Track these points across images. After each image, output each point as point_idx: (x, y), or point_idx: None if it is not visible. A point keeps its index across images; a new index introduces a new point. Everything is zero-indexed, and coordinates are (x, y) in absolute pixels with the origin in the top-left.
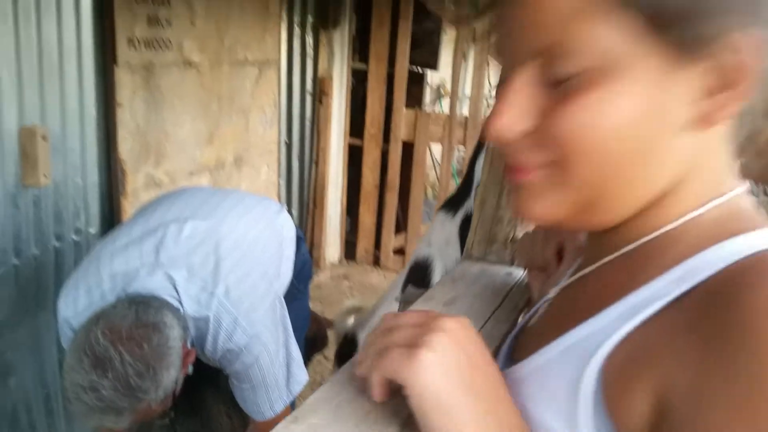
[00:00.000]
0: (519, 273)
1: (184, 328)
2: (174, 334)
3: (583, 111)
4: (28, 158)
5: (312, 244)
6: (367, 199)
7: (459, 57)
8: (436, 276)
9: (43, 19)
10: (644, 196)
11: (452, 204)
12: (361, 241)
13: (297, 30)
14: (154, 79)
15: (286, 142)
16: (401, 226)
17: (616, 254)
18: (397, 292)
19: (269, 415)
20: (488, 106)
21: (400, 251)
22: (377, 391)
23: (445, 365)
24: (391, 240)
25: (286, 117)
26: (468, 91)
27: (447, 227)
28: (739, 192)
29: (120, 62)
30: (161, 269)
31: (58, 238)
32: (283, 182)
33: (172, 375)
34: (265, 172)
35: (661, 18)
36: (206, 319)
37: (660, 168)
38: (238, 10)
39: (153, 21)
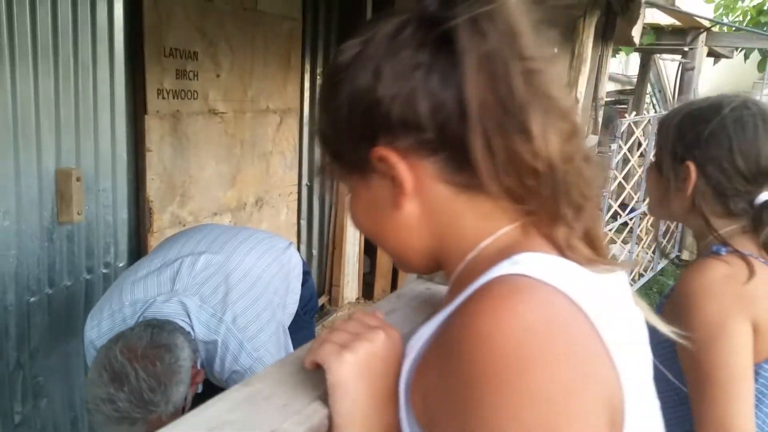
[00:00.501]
0: None
1: (195, 351)
2: (184, 354)
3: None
4: (63, 197)
5: (331, 284)
6: None
7: None
8: None
9: (80, 71)
10: (422, 250)
11: None
12: (379, 281)
13: (318, 79)
14: (181, 126)
15: (307, 185)
16: None
17: (449, 284)
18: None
19: None
20: None
21: None
22: (309, 367)
23: (360, 367)
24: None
25: (308, 161)
26: None
27: None
28: (506, 230)
29: (150, 111)
30: (176, 297)
31: (89, 270)
32: (303, 223)
33: (181, 391)
34: (285, 213)
35: (331, 156)
36: (215, 343)
37: (408, 231)
38: (261, 64)
39: (181, 74)
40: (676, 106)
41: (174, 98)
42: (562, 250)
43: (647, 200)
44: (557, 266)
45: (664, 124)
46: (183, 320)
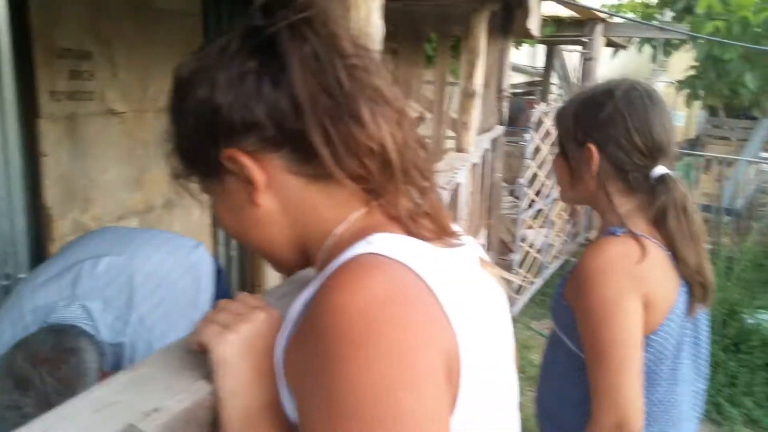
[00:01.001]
0: None
1: (101, 353)
2: (90, 357)
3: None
4: None
5: (253, 284)
6: None
7: None
8: None
9: None
10: (286, 243)
11: None
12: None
13: None
14: (78, 128)
15: None
16: None
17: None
18: None
19: None
20: None
21: None
22: (194, 348)
23: (241, 346)
24: None
25: None
26: None
27: None
28: (359, 214)
29: (43, 114)
30: (78, 301)
31: None
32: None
33: None
34: (198, 214)
35: (186, 165)
36: (122, 345)
37: (269, 227)
38: (161, 61)
39: (75, 74)
40: (570, 97)
41: (69, 100)
42: (409, 229)
43: (558, 188)
44: (404, 244)
45: (561, 115)
46: (87, 324)
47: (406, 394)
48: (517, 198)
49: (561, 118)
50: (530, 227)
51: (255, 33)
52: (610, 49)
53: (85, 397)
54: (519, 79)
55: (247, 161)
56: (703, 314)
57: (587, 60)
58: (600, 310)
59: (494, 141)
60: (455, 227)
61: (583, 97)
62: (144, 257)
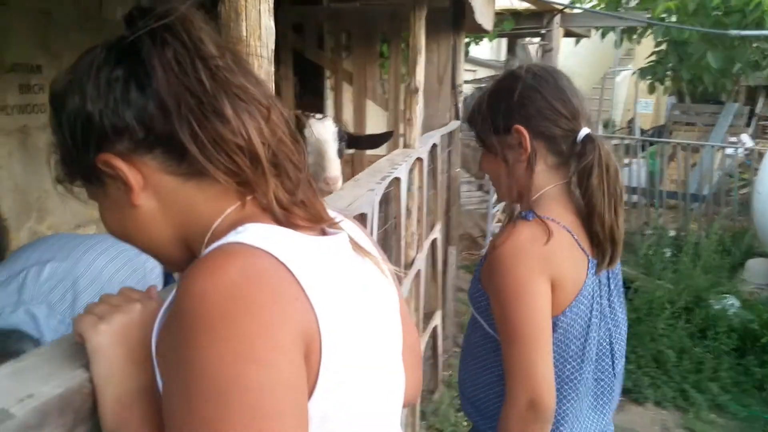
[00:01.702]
0: None
1: None
2: None
3: None
4: None
5: None
6: None
7: (339, 100)
8: None
9: None
10: (169, 241)
11: None
12: None
13: None
14: (30, 140)
15: None
16: None
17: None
18: None
19: None
20: None
21: None
22: (77, 338)
23: (115, 336)
24: None
25: None
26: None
27: None
28: (234, 208)
29: None
30: (23, 306)
31: None
32: None
33: None
34: None
35: (67, 173)
36: None
37: (151, 226)
38: None
39: (25, 88)
40: (476, 99)
41: (19, 113)
42: (279, 220)
43: (496, 189)
44: (270, 233)
45: (474, 116)
46: (32, 328)
47: (255, 367)
48: (486, 192)
49: (475, 117)
50: (500, 222)
51: (119, 42)
52: (572, 40)
53: None
54: (484, 73)
55: (121, 165)
56: (616, 291)
57: (546, 51)
58: (511, 292)
59: (450, 135)
60: (335, 215)
61: (491, 90)
62: (88, 261)
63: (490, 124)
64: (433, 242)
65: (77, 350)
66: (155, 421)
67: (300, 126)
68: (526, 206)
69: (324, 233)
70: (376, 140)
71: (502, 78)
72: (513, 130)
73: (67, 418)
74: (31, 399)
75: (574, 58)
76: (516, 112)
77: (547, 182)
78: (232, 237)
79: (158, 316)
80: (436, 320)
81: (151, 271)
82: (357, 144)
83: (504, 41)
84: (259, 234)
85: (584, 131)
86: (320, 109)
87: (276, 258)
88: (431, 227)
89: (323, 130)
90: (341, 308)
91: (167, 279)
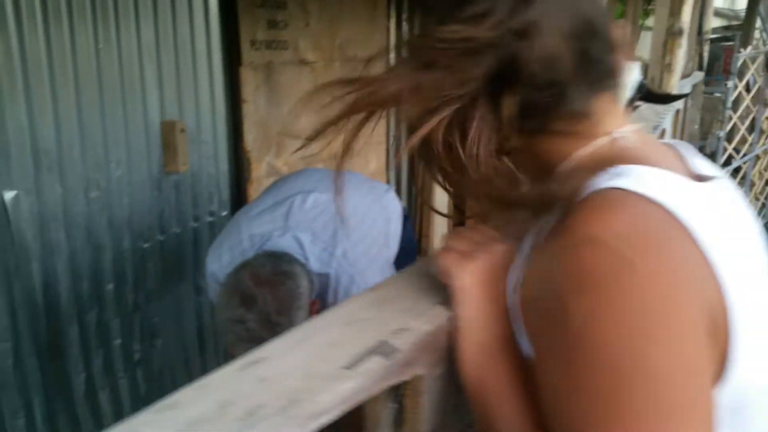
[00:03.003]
0: None
1: (311, 281)
2: (302, 283)
3: None
4: (169, 148)
5: (421, 234)
6: None
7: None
8: None
9: (178, 24)
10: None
11: None
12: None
13: (404, 25)
14: (273, 76)
15: (395, 136)
16: None
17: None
18: None
19: None
20: None
21: None
22: (437, 274)
23: (481, 275)
24: None
25: (396, 112)
26: None
27: None
28: (603, 141)
29: (244, 62)
30: (290, 232)
31: (195, 219)
32: (392, 174)
33: (302, 317)
34: (374, 163)
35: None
36: (327, 276)
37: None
38: (348, 12)
39: (272, 24)
40: None
41: (266, 49)
42: (652, 160)
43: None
44: (655, 177)
45: None
46: (298, 253)
47: (656, 348)
48: (707, 155)
49: None
50: None
51: None
52: None
53: (334, 312)
54: (717, 23)
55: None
56: None
57: None
58: None
59: (693, 88)
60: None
61: None
62: (346, 195)
63: None
64: None
65: (428, 285)
66: (519, 375)
67: None
68: None
69: (698, 177)
70: (669, 99)
71: None
72: None
73: (432, 356)
74: (407, 333)
75: None
76: None
77: None
78: (607, 180)
79: (517, 261)
80: None
81: (394, 210)
82: (650, 98)
83: None
84: (640, 178)
85: None
86: None
87: (667, 210)
88: None
89: (626, 74)
90: (743, 274)
91: (405, 221)
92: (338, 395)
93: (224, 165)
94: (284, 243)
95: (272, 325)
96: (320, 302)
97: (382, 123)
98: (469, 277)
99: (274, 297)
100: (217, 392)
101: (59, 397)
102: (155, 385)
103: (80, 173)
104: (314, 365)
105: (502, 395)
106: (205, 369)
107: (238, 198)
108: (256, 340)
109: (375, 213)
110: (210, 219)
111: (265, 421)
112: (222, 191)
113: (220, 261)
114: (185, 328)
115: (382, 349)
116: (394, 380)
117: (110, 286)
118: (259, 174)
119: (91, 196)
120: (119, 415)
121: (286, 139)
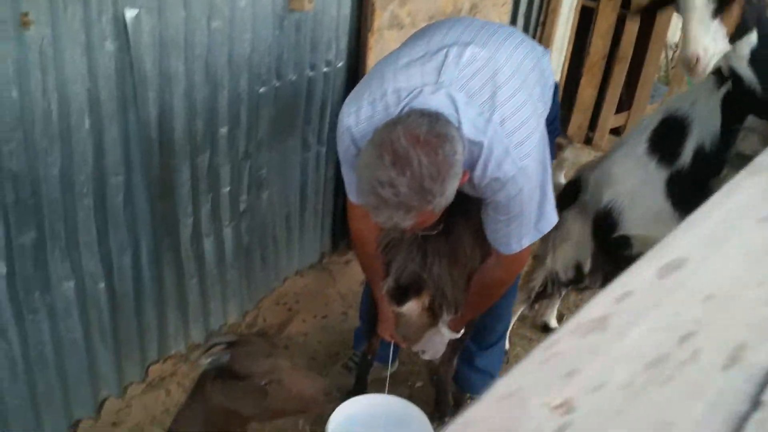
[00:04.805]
0: None
1: (464, 148)
2: (459, 148)
3: None
4: None
5: None
6: (591, 70)
7: None
8: (690, 141)
9: None
10: None
11: (718, 74)
12: (576, 117)
13: None
14: None
15: None
16: (624, 104)
17: None
18: (642, 141)
19: (516, 248)
20: None
21: (616, 131)
22: None
23: None
24: (609, 118)
25: None
26: None
27: (712, 98)
28: None
29: None
30: (443, 89)
31: (312, 67)
32: None
33: (454, 186)
34: (495, 20)
35: None
36: (480, 145)
37: None
38: None
39: None
40: None
41: None
42: None
43: None
44: None
45: None
46: (451, 114)
47: None
48: None
49: None
50: None
51: None
52: None
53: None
54: None
55: None
56: None
57: None
58: None
59: None
60: None
61: None
62: (508, 52)
63: None
64: None
65: None
66: None
67: None
68: None
69: None
70: None
71: None
72: None
73: None
74: None
75: None
76: None
77: None
78: None
79: None
80: None
81: (549, 78)
82: None
83: None
84: None
85: None
86: None
87: None
88: None
89: None
90: None
91: (554, 90)
92: None
93: (346, 9)
94: (436, 101)
95: (424, 192)
96: (469, 173)
97: None
98: None
99: (431, 161)
100: None
101: (166, 239)
102: (257, 237)
103: None
104: None
105: None
106: (303, 227)
107: (356, 49)
108: (403, 207)
109: (534, 79)
110: (326, 69)
111: None
112: (341, 39)
113: (358, 114)
114: (290, 184)
115: None
116: None
117: (224, 130)
118: (381, 24)
119: (213, 26)
120: (222, 264)
121: None
